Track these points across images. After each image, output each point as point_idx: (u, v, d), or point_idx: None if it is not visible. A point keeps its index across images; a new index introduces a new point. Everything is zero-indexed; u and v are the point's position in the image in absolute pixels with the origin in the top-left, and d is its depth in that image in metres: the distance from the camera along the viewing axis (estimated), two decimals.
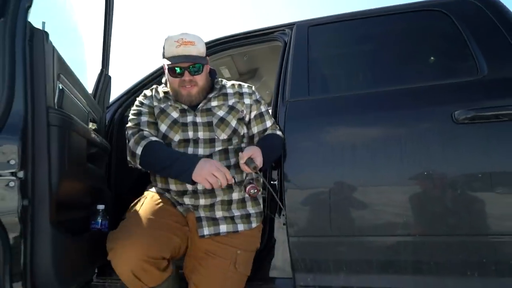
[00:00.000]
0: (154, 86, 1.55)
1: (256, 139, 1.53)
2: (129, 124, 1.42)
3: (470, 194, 1.38)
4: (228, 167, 1.36)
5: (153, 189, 1.42)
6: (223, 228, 1.36)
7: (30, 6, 0.98)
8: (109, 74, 1.89)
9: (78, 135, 1.22)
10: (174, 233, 1.30)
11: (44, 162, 1.01)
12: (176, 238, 1.31)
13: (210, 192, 1.34)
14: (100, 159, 1.47)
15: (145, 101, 1.47)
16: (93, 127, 1.46)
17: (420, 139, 1.42)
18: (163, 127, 1.38)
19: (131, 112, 1.47)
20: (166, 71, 1.40)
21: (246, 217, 1.43)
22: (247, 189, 1.36)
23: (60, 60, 1.18)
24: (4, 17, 0.96)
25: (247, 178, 1.42)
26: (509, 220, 1.35)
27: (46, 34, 1.05)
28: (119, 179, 1.71)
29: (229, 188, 1.37)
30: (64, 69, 1.22)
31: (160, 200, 1.35)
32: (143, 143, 1.31)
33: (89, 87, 1.75)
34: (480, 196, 1.37)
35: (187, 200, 1.34)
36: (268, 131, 1.54)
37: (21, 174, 0.95)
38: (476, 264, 1.37)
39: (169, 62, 1.34)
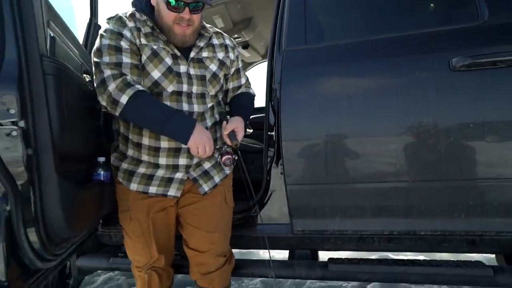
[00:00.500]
0: (132, 12, 1.29)
1: (230, 94, 1.54)
2: (104, 59, 1.19)
3: (462, 142, 1.41)
4: (214, 123, 1.40)
5: (134, 185, 1.34)
6: (216, 178, 1.43)
7: None
8: (99, 23, 1.81)
9: (74, 85, 1.20)
10: (174, 225, 1.47)
11: (43, 112, 1.00)
12: (174, 227, 1.48)
13: None
14: (96, 112, 1.45)
15: (125, 32, 1.23)
16: (88, 79, 1.42)
17: (416, 87, 1.42)
18: (156, 74, 1.24)
19: (105, 41, 1.21)
20: (161, 3, 1.23)
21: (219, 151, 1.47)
22: (223, 159, 1.38)
23: (49, 6, 1.12)
24: None
25: (224, 146, 1.42)
26: (497, 166, 1.40)
27: None
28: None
29: (215, 142, 1.40)
30: (53, 16, 1.17)
31: (151, 199, 1.36)
32: (129, 91, 1.16)
33: (79, 37, 1.68)
34: (471, 143, 1.41)
35: (182, 161, 1.32)
36: (242, 89, 1.57)
37: (22, 123, 0.94)
38: (463, 206, 1.45)
39: None
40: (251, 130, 2.59)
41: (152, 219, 1.38)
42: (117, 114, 1.21)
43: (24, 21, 0.95)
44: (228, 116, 1.44)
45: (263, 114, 1.67)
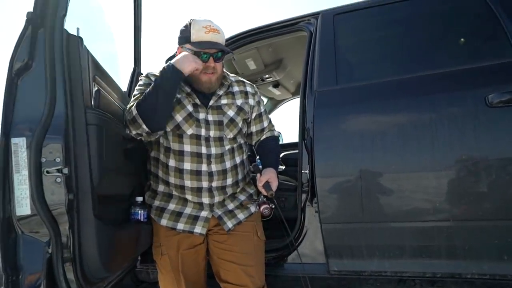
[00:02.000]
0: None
1: (254, 137, 1.63)
2: (130, 102, 1.39)
3: (506, 178, 1.34)
4: (235, 166, 1.48)
5: (164, 221, 1.43)
6: (240, 216, 1.49)
7: (65, 15, 1.06)
8: (141, 71, 1.98)
9: (114, 132, 1.31)
10: (204, 263, 1.53)
11: (85, 159, 1.10)
12: (205, 265, 1.54)
13: (222, 189, 1.45)
14: (136, 153, 1.55)
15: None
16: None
17: (452, 124, 1.39)
18: (178, 118, 1.39)
19: (136, 89, 1.42)
20: None
21: (250, 197, 1.56)
22: (261, 209, 1.50)
23: (95, 63, 1.26)
24: (43, 27, 1.04)
25: (261, 197, 1.52)
26: None
27: (81, 39, 1.13)
28: None
29: (236, 185, 1.50)
30: (99, 71, 1.30)
31: (180, 236, 1.43)
32: (135, 104, 1.32)
33: (123, 85, 1.84)
34: None
35: (205, 200, 1.41)
36: (266, 131, 1.65)
37: (66, 170, 1.04)
38: None
39: (197, 47, 1.34)
40: (284, 167, 2.59)
41: (181, 256, 1.44)
42: (142, 125, 1.30)
43: (72, 78, 1.08)
44: (257, 161, 1.52)
45: (295, 151, 1.69)
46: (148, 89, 1.32)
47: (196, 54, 1.35)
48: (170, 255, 1.44)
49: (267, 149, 1.60)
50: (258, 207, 1.50)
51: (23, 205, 1.00)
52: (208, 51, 1.35)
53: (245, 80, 1.62)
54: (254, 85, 1.65)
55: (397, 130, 1.49)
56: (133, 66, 2.01)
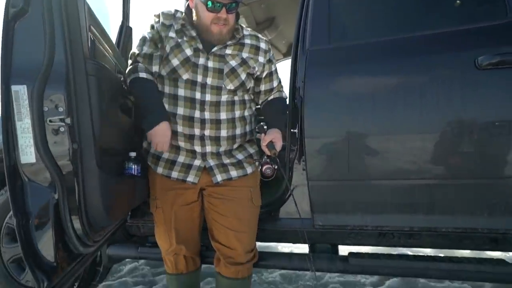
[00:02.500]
0: (174, 11, 1.47)
1: (261, 97, 1.60)
2: (134, 48, 1.46)
3: (487, 140, 1.41)
4: (233, 119, 1.46)
5: (159, 169, 1.47)
6: (233, 173, 1.49)
7: None
8: (130, 25, 1.91)
9: (111, 85, 1.29)
10: (199, 220, 1.57)
11: (86, 109, 1.09)
12: (200, 222, 1.59)
13: (215, 140, 1.44)
14: (129, 109, 1.54)
15: (157, 26, 1.43)
16: (122, 78, 1.51)
17: (441, 86, 1.43)
18: (175, 61, 1.38)
19: (143, 33, 1.46)
20: (199, 5, 1.36)
21: (250, 157, 1.55)
22: (263, 169, 1.48)
23: (90, 12, 1.21)
24: None
25: (264, 157, 1.53)
26: None
27: None
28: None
29: (233, 139, 1.48)
30: (94, 21, 1.26)
31: (174, 192, 1.47)
32: (132, 76, 1.39)
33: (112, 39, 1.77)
34: (496, 141, 1.40)
35: (197, 148, 1.42)
36: (274, 92, 1.62)
37: (68, 120, 1.04)
38: (487, 204, 1.45)
39: None
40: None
41: (175, 212, 1.49)
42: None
43: (70, 27, 1.04)
44: (262, 123, 1.51)
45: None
46: (141, 93, 1.40)
47: (208, 2, 1.32)
48: (164, 209, 1.50)
49: (274, 109, 1.59)
50: (260, 167, 1.51)
51: (27, 153, 1.01)
52: (221, 0, 1.31)
53: (260, 36, 1.58)
54: (269, 44, 1.61)
55: (386, 91, 1.51)
56: (121, 20, 1.93)
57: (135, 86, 1.39)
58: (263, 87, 1.59)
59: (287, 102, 1.66)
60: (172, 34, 1.40)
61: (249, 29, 1.57)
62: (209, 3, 1.31)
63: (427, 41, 1.50)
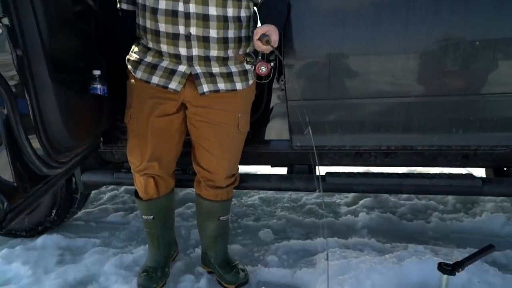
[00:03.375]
0: None
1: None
2: None
3: (461, 57, 1.37)
4: (225, 17, 1.25)
5: (139, 73, 1.31)
6: (221, 85, 1.33)
7: None
8: None
9: None
10: (178, 136, 1.44)
11: (28, 11, 0.93)
12: (179, 139, 1.46)
13: (204, 41, 1.26)
14: (87, 20, 1.35)
15: None
16: None
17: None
18: None
19: None
20: None
21: (244, 74, 1.38)
22: (257, 67, 1.26)
23: None
24: None
25: (259, 58, 1.28)
26: (496, 81, 1.39)
27: None
28: (110, 45, 1.61)
29: (224, 43, 1.29)
30: None
31: (153, 101, 1.32)
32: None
33: None
34: (470, 58, 1.37)
35: (182, 50, 1.25)
36: None
37: (6, 20, 0.88)
38: (461, 121, 1.47)
39: None
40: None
41: (151, 123, 1.36)
42: None
43: None
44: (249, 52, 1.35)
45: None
46: None
47: None
48: (139, 119, 1.36)
49: (271, 7, 1.34)
50: (254, 67, 1.30)
51: None
52: None
53: None
54: None
55: (364, 8, 1.40)
56: None
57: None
58: None
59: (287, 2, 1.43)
60: None
61: None
62: None
63: None
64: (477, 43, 1.35)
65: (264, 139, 1.79)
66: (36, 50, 0.95)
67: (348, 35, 1.43)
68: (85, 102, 1.25)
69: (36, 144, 1.03)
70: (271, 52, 1.25)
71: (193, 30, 1.22)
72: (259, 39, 1.19)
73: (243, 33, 1.33)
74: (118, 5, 1.39)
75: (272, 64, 1.29)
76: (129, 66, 1.35)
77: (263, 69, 1.25)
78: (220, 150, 1.42)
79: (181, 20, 1.20)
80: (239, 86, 1.37)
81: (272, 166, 2.07)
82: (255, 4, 1.37)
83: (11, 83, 0.93)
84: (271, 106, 1.73)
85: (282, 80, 1.59)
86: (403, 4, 1.35)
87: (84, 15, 1.33)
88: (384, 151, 1.64)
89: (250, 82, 1.41)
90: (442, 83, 1.43)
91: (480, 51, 1.36)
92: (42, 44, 0.96)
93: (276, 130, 1.76)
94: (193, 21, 1.21)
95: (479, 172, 2.08)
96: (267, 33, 1.19)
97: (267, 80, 1.40)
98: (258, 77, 1.35)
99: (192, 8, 1.19)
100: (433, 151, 1.57)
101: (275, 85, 1.74)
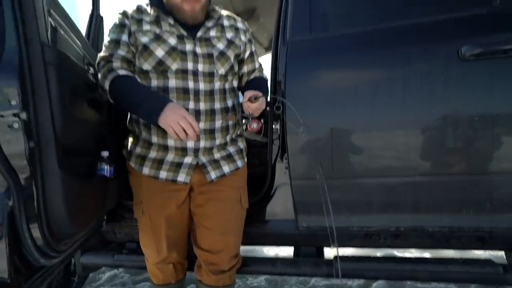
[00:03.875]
0: (138, 6, 1.35)
1: (244, 79, 1.52)
2: (103, 52, 1.29)
3: (471, 135, 1.37)
4: (226, 108, 1.36)
5: (145, 170, 1.33)
6: (226, 168, 1.39)
7: None
8: (101, 14, 1.77)
9: (76, 77, 1.17)
10: (188, 219, 1.46)
11: (45, 103, 0.97)
12: (189, 221, 1.47)
13: (210, 133, 1.33)
14: (99, 104, 1.42)
15: (127, 22, 1.29)
16: (91, 71, 1.38)
17: (424, 78, 1.37)
18: (159, 52, 1.26)
19: (109, 35, 1.30)
20: None
21: (241, 152, 1.48)
22: (249, 125, 1.37)
23: None
24: None
25: (249, 118, 1.44)
26: (507, 160, 1.37)
27: None
28: (120, 127, 1.66)
29: (226, 131, 1.38)
30: (55, 5, 1.13)
31: (164, 195, 1.34)
32: (110, 77, 1.23)
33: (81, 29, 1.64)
34: (480, 136, 1.36)
35: (190, 143, 1.30)
36: (256, 73, 1.55)
37: (23, 115, 0.91)
38: (472, 201, 1.42)
39: None
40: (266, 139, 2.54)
41: (166, 218, 1.37)
42: (111, 101, 1.27)
43: (23, 6, 0.91)
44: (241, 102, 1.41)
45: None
46: (132, 87, 1.23)
47: None
48: (152, 214, 1.37)
49: (256, 85, 1.48)
50: (246, 126, 1.40)
51: None
52: None
53: (235, 16, 1.49)
54: (246, 22, 1.53)
55: (369, 84, 1.45)
56: (91, 8, 1.79)
57: (119, 84, 1.23)
58: (245, 69, 1.51)
59: (269, 84, 1.59)
60: (146, 27, 1.29)
61: (223, 10, 1.48)
62: None
63: (410, 31, 1.45)
64: (480, 118, 1.35)
65: (269, 219, 1.74)
66: (48, 141, 0.97)
67: (350, 113, 1.46)
68: (91, 186, 1.24)
69: (36, 233, 0.99)
70: (260, 115, 1.37)
71: (201, 125, 1.29)
72: (249, 99, 1.29)
73: (236, 118, 1.44)
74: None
75: (262, 120, 1.36)
76: (132, 164, 1.37)
77: (254, 126, 1.39)
78: (224, 228, 1.41)
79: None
80: (239, 164, 1.45)
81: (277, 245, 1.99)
82: (239, 89, 1.52)
83: (20, 173, 0.93)
84: (274, 185, 1.71)
85: (285, 158, 1.60)
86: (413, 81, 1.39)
87: (97, 101, 1.39)
88: (393, 232, 1.58)
89: (245, 159, 1.50)
90: (448, 161, 1.42)
91: (487, 128, 1.35)
92: (55, 135, 0.98)
93: (280, 209, 1.72)
94: (203, 117, 1.29)
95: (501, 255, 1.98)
96: (255, 95, 1.30)
97: (260, 136, 1.49)
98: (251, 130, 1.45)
99: (202, 106, 1.28)
100: (445, 232, 1.51)
101: (278, 164, 1.75)
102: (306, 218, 1.59)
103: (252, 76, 1.54)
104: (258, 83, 1.51)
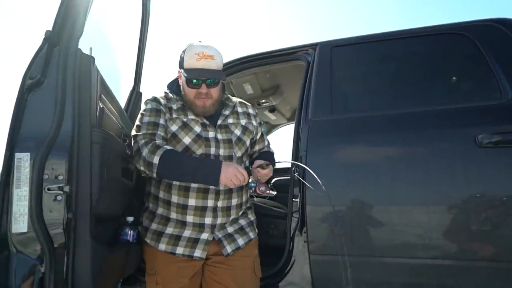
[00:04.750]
0: (165, 93, 1.53)
1: (255, 156, 1.66)
2: (142, 131, 1.38)
3: (494, 219, 1.38)
4: (241, 187, 1.48)
5: (162, 246, 1.39)
6: (240, 241, 1.47)
7: (81, 35, 1.08)
8: (140, 91, 1.99)
9: (115, 152, 1.30)
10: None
11: (86, 177, 1.09)
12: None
13: (226, 210, 1.44)
14: (130, 173, 1.54)
15: (162, 108, 1.44)
16: (126, 143, 1.53)
17: (443, 162, 1.43)
18: (186, 140, 1.40)
19: (145, 118, 1.41)
20: (183, 81, 1.43)
21: (251, 224, 1.56)
22: (258, 187, 1.51)
23: (102, 82, 1.27)
24: (59, 46, 1.05)
25: (257, 182, 1.53)
26: None
27: (93, 59, 1.14)
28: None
29: (240, 207, 1.50)
30: (105, 90, 1.31)
31: (179, 265, 1.39)
32: (159, 152, 1.30)
33: (121, 102, 1.84)
34: (503, 221, 1.37)
35: (208, 220, 1.40)
36: (264, 149, 1.71)
37: (67, 188, 1.03)
38: None
39: (188, 75, 1.37)
40: (275, 192, 2.61)
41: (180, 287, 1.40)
42: (154, 175, 1.34)
43: (82, 97, 1.08)
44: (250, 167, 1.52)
45: (287, 177, 1.69)
46: (183, 158, 1.35)
47: (189, 80, 1.39)
48: (166, 285, 1.39)
49: (263, 155, 1.64)
50: (255, 190, 1.51)
51: (20, 221, 0.98)
52: (200, 78, 1.38)
53: (246, 102, 1.68)
54: (255, 108, 1.71)
55: (388, 164, 1.52)
56: (132, 85, 2.02)
57: (169, 158, 1.31)
58: (257, 147, 1.67)
59: (274, 156, 1.72)
60: (175, 115, 1.45)
61: (235, 98, 1.66)
62: (190, 79, 1.39)
63: (427, 117, 1.54)
64: (503, 202, 1.35)
65: None
66: (84, 212, 1.07)
67: (369, 190, 1.50)
68: (115, 252, 1.30)
69: None
70: (268, 180, 1.51)
71: (219, 203, 1.41)
72: (258, 166, 1.43)
73: (248, 194, 1.62)
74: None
75: (269, 185, 1.49)
76: (147, 240, 1.44)
77: (262, 188, 1.50)
78: None
79: (211, 195, 1.40)
80: (252, 235, 1.53)
81: None
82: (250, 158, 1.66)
83: (55, 242, 1.02)
84: (293, 257, 1.71)
85: (304, 232, 1.62)
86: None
87: (128, 169, 1.51)
88: None
89: (256, 230, 1.57)
90: (470, 246, 1.40)
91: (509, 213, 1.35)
92: (90, 205, 1.08)
93: (299, 282, 1.69)
94: (221, 196, 1.41)
95: None
96: (264, 164, 1.44)
97: (267, 197, 1.63)
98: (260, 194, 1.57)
99: (222, 186, 1.38)
100: None
101: (297, 236, 1.75)
102: None
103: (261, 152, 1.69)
104: (266, 155, 1.65)
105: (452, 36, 1.71)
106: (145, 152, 1.32)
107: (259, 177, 1.48)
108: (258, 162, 1.47)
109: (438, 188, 1.43)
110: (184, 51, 1.42)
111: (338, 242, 1.55)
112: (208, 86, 1.40)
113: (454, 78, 1.73)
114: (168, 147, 1.35)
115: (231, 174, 1.29)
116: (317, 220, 1.56)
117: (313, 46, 1.96)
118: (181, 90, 1.48)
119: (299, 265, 1.64)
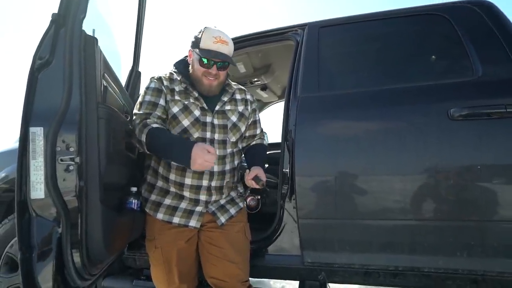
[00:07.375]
0: (171, 73, 1.59)
1: (244, 140, 1.75)
2: (140, 110, 1.48)
3: (463, 184, 1.52)
4: (233, 168, 1.62)
5: (160, 215, 1.51)
6: (232, 211, 1.62)
7: (84, 17, 1.16)
8: (139, 70, 2.07)
9: (119, 126, 1.41)
10: (195, 259, 1.61)
11: (94, 149, 1.20)
12: (197, 255, 1.63)
13: (220, 189, 1.57)
14: (133, 147, 1.65)
15: (164, 90, 1.51)
16: (128, 118, 1.63)
17: (418, 134, 1.56)
18: (185, 122, 1.50)
19: (147, 97, 1.50)
20: (195, 59, 1.51)
21: (241, 196, 1.74)
22: (248, 201, 1.69)
23: (105, 61, 1.36)
24: (64, 27, 1.14)
25: (247, 192, 1.69)
26: (493, 208, 1.50)
27: (96, 40, 1.23)
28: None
29: (232, 184, 1.65)
30: (107, 69, 1.40)
31: (176, 230, 1.52)
32: (145, 130, 1.40)
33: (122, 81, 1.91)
34: (472, 186, 1.51)
35: (202, 197, 1.53)
36: (256, 138, 1.80)
37: (78, 159, 1.14)
38: (465, 245, 1.53)
39: (203, 54, 1.45)
40: (267, 165, 2.75)
41: (177, 251, 1.53)
42: (146, 151, 1.47)
43: (87, 76, 1.17)
44: (244, 164, 1.66)
45: (278, 150, 1.81)
46: (161, 136, 1.41)
47: (201, 59, 1.47)
48: (164, 248, 1.53)
49: (256, 154, 1.75)
50: (245, 201, 1.65)
51: (37, 189, 1.10)
52: (213, 59, 1.47)
53: (245, 89, 1.77)
54: (253, 96, 1.80)
55: (369, 136, 1.64)
56: (131, 65, 2.10)
57: (152, 136, 1.40)
58: (247, 133, 1.76)
59: (267, 149, 1.84)
60: (177, 97, 1.53)
61: (234, 84, 1.75)
62: (203, 59, 1.47)
63: (406, 93, 1.66)
64: (470, 168, 1.49)
65: (276, 254, 1.86)
66: (94, 180, 1.19)
67: (351, 159, 1.63)
68: (122, 217, 1.43)
69: (76, 257, 1.19)
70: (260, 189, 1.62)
71: (213, 183, 1.53)
72: (253, 179, 1.53)
73: (238, 173, 1.72)
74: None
75: (259, 197, 1.69)
76: (147, 210, 1.57)
77: (252, 203, 1.70)
78: (234, 254, 1.56)
79: (206, 176, 1.52)
80: (241, 205, 1.70)
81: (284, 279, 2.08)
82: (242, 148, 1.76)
83: (69, 206, 1.15)
84: (283, 222, 1.86)
85: (293, 199, 1.76)
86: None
87: (131, 143, 1.62)
88: (392, 272, 1.67)
89: (245, 200, 1.73)
90: (441, 207, 1.55)
91: (479, 176, 1.48)
92: (99, 175, 1.20)
93: (288, 245, 1.85)
94: (215, 177, 1.53)
95: None
96: (258, 175, 1.54)
97: (257, 210, 1.80)
98: (249, 207, 1.75)
99: (216, 168, 1.52)
100: (440, 274, 1.59)
101: (287, 203, 1.90)
102: (311, 254, 1.71)
103: (253, 142, 1.79)
104: (258, 152, 1.76)
105: (431, 17, 1.80)
106: (137, 130, 1.44)
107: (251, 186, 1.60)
108: (252, 173, 1.54)
109: (414, 157, 1.55)
110: (201, 32, 1.50)
111: (324, 207, 1.70)
112: (219, 68, 1.50)
113: (432, 57, 1.82)
114: (155, 125, 1.42)
115: (199, 159, 1.30)
116: (305, 189, 1.69)
117: (302, 26, 2.03)
118: (190, 68, 1.56)
119: (289, 229, 1.79)
